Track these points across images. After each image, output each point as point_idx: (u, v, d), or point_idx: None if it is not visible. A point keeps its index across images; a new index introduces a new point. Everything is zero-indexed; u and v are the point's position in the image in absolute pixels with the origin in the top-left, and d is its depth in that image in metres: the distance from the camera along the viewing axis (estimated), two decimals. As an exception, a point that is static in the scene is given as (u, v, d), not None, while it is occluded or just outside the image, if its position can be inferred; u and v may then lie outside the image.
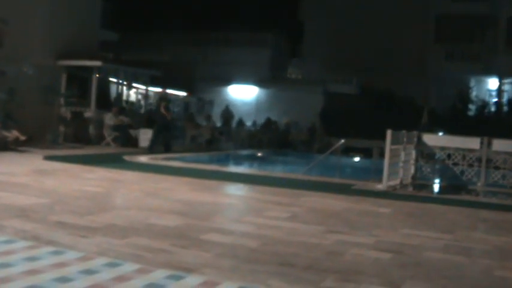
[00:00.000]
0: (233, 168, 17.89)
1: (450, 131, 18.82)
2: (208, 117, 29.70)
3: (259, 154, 24.89)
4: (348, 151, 22.25)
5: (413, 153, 14.92)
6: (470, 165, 14.26)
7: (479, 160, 14.21)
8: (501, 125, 25.61)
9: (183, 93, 34.33)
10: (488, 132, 15.87)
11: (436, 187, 14.72)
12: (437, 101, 32.48)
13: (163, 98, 22.96)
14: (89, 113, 22.50)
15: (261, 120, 31.71)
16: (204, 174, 14.15)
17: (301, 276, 5.49)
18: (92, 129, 22.43)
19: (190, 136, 26.67)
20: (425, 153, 15.06)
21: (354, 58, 33.00)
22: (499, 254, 7.01)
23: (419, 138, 14.96)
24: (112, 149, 20.47)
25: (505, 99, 33.48)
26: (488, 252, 7.12)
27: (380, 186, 13.07)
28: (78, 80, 22.94)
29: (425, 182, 14.77)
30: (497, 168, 14.06)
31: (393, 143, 13.35)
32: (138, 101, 29.24)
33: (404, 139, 14.26)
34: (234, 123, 31.55)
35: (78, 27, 22.89)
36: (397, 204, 11.02)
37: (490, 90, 34.40)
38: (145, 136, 21.36)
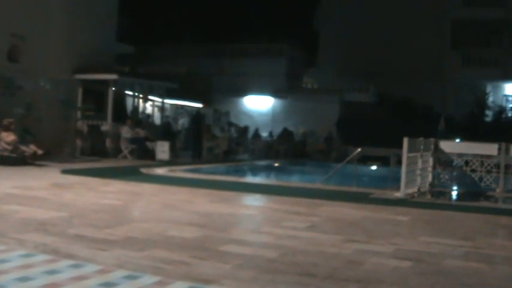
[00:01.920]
0: (250, 179, 17.91)
1: (467, 137, 18.72)
2: (223, 128, 29.82)
3: (276, 164, 24.88)
4: (365, 160, 22.17)
5: (431, 161, 14.85)
6: (489, 172, 14.16)
7: (497, 166, 14.11)
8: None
9: (199, 105, 34.43)
10: (506, 137, 15.78)
11: (454, 194, 14.62)
12: (455, 107, 32.35)
13: (198, 112, 24.62)
14: (105, 126, 22.59)
15: (277, 130, 31.71)
16: (222, 185, 14.15)
17: (321, 286, 5.46)
18: (108, 142, 22.52)
19: (207, 147, 26.71)
20: (443, 160, 14.98)
21: (370, 66, 32.92)
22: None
23: (437, 146, 14.89)
24: (129, 162, 20.54)
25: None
26: (509, 259, 7.06)
27: (398, 194, 13.03)
28: (95, 93, 23.06)
29: (443, 189, 14.68)
30: (516, 174, 13.96)
31: (410, 150, 13.31)
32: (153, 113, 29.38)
33: (422, 146, 14.21)
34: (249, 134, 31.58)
35: (95, 40, 23.08)
36: (416, 212, 10.97)
37: (506, 96, 34.21)
38: (162, 148, 21.41)
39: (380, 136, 24.60)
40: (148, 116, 28.57)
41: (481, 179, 14.23)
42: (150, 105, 29.36)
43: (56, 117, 20.02)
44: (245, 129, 31.16)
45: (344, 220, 9.65)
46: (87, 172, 15.56)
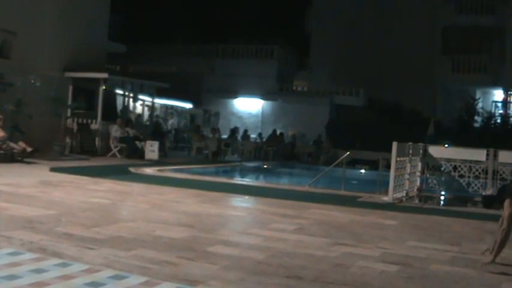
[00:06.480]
0: (239, 180, 17.88)
1: (456, 142, 18.80)
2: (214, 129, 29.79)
3: (265, 166, 24.88)
4: (354, 163, 22.24)
5: (419, 165, 14.91)
6: (477, 177, 14.23)
7: (485, 172, 14.18)
8: (507, 137, 25.57)
9: (189, 105, 34.44)
10: (494, 143, 15.86)
11: (442, 199, 14.68)
12: (444, 112, 32.47)
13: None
14: (95, 125, 22.54)
15: (267, 132, 31.70)
16: (210, 186, 14.15)
17: (307, 288, 5.48)
18: (98, 141, 22.47)
19: (196, 148, 26.71)
20: (431, 165, 15.05)
21: (360, 70, 32.99)
22: (506, 267, 6.97)
23: (425, 150, 14.96)
24: (118, 161, 20.48)
25: (511, 110, 33.45)
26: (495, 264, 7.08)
27: (386, 198, 13.06)
28: (85, 91, 22.98)
29: (432, 194, 14.75)
30: (503, 179, 14.01)
31: (399, 155, 13.35)
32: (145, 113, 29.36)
33: (410, 151, 14.26)
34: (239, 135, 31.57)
35: (86, 39, 23.00)
36: (403, 217, 11.00)
37: (496, 102, 34.34)
38: (151, 148, 21.37)
39: (369, 140, 24.71)
40: (139, 115, 28.55)
41: (469, 184, 14.31)
42: (140, 105, 29.33)
43: (46, 115, 19.94)
44: (234, 130, 31.12)
45: (332, 223, 9.66)
46: (76, 170, 15.50)
